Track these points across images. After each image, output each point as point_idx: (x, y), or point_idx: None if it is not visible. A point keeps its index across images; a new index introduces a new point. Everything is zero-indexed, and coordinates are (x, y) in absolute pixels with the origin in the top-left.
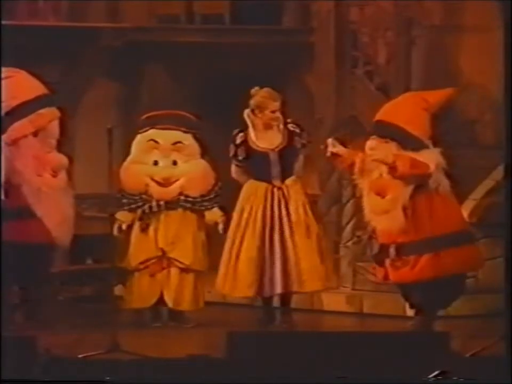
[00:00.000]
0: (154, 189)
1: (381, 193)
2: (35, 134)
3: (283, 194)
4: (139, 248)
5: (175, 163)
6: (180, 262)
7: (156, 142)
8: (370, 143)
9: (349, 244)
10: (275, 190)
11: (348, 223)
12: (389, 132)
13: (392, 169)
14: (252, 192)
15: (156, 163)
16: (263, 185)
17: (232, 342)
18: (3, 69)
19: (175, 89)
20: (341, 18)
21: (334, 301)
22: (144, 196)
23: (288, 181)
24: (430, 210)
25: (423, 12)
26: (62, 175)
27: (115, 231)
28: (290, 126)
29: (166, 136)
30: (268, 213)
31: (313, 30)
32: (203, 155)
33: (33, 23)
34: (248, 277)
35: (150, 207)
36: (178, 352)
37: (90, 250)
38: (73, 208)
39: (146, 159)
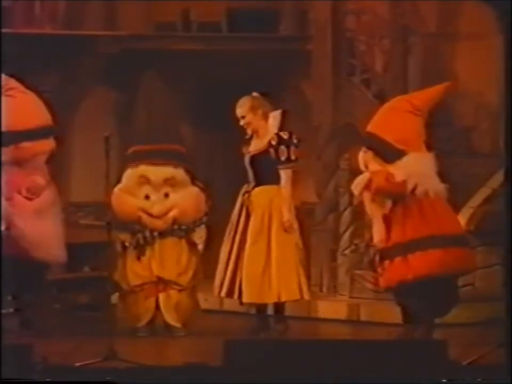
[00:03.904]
0: (148, 220)
1: None
2: (19, 164)
3: (248, 200)
4: (134, 273)
5: (166, 195)
6: (178, 285)
7: (147, 178)
8: (361, 154)
9: (347, 251)
10: (246, 195)
11: (345, 231)
12: (369, 142)
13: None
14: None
15: (147, 197)
16: (243, 189)
17: (229, 350)
18: (6, 79)
19: (172, 97)
20: (337, 26)
21: (331, 309)
22: (137, 226)
23: (257, 189)
24: (419, 214)
25: (419, 20)
26: (43, 197)
27: (118, 248)
28: (271, 138)
29: (157, 172)
30: (236, 217)
31: (310, 38)
32: (193, 182)
33: (29, 31)
34: (217, 277)
35: (144, 237)
36: (175, 360)
37: (87, 258)
38: (57, 226)
39: (137, 192)
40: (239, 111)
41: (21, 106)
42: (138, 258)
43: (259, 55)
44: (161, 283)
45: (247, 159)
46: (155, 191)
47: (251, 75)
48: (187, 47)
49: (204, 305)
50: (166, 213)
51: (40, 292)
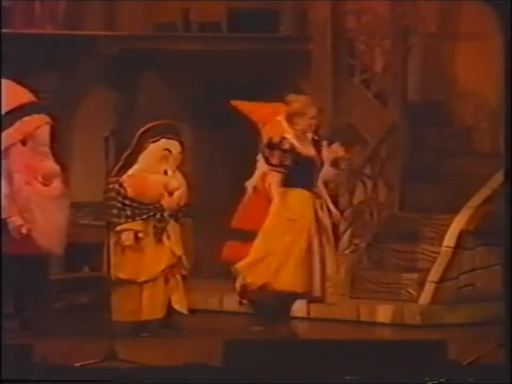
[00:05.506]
0: (166, 199)
1: None
2: (23, 142)
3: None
4: (157, 258)
5: (173, 172)
6: (184, 268)
7: (170, 151)
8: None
9: (347, 251)
10: (317, 201)
11: (345, 231)
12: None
13: None
14: (302, 201)
15: (165, 173)
16: (308, 194)
17: (229, 350)
18: None
19: (171, 97)
20: (337, 27)
21: (331, 309)
22: (157, 205)
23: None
24: None
25: (420, 20)
26: (55, 184)
27: (130, 241)
28: (316, 137)
29: (174, 145)
30: (315, 219)
31: (310, 38)
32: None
33: (30, 31)
34: (296, 275)
35: (162, 216)
36: (175, 360)
37: (86, 258)
38: (66, 217)
39: (158, 167)
40: (313, 110)
41: (7, 90)
42: (160, 240)
43: (259, 55)
44: (176, 266)
45: (318, 165)
46: (170, 166)
47: (251, 75)
48: (187, 47)
49: (204, 305)
50: (175, 191)
51: (40, 292)
